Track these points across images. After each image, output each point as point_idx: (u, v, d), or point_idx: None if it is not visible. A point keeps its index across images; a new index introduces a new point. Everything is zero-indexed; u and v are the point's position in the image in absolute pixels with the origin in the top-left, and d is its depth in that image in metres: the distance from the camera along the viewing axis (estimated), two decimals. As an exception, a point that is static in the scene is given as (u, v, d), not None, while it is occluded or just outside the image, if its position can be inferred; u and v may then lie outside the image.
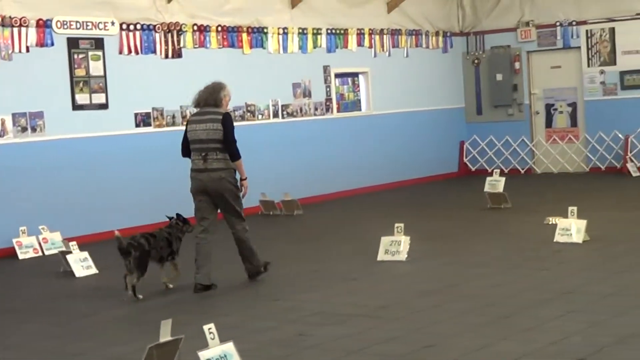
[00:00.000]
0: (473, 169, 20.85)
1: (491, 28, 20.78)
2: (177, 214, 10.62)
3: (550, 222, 12.62)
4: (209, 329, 6.43)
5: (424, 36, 20.23)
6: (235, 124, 15.52)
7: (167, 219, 10.58)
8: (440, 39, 20.66)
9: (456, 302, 8.65)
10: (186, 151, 10.28)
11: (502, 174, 16.31)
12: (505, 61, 20.57)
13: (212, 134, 10.02)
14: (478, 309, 8.30)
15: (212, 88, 10.33)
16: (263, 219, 15.46)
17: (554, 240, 11.36)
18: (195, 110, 10.47)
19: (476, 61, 21.04)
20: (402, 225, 11.09)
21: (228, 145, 10.06)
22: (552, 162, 20.12)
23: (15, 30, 13.39)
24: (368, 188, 18.59)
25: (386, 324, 7.99)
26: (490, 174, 15.86)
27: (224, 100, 10.36)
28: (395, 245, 10.98)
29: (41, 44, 13.68)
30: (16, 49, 13.40)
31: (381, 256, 10.99)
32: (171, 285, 10.23)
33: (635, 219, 13.03)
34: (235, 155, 10.12)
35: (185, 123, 10.83)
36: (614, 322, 7.59)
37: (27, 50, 13.52)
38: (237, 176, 10.30)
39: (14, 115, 13.41)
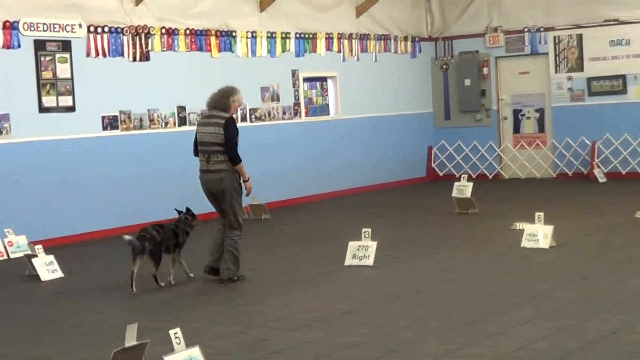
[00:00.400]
0: (441, 174, 20.91)
1: (460, 34, 20.86)
2: (187, 208, 10.83)
3: (517, 228, 12.67)
4: (175, 333, 6.40)
5: (392, 41, 20.27)
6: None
7: (177, 213, 10.82)
8: (409, 44, 20.71)
9: (422, 308, 8.66)
10: (196, 151, 10.67)
11: (469, 179, 16.34)
12: (473, 67, 20.66)
13: (214, 138, 10.41)
14: (444, 315, 8.31)
15: (223, 92, 10.78)
16: (230, 223, 15.41)
17: (521, 246, 11.41)
18: (207, 112, 10.84)
19: (444, 66, 21.11)
20: (369, 230, 11.09)
21: (227, 150, 10.39)
22: (519, 167, 20.23)
23: (-19, 32, 13.31)
24: (336, 192, 18.59)
25: (352, 329, 7.99)
26: (458, 179, 15.90)
27: (233, 105, 10.75)
28: (363, 250, 10.98)
29: (7, 45, 13.58)
30: (-18, 51, 13.33)
31: (349, 261, 10.99)
32: (173, 282, 10.44)
33: (602, 225, 13.11)
34: (234, 159, 10.46)
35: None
36: (580, 327, 7.62)
37: (-7, 52, 13.46)
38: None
39: (-21, 117, 13.33)
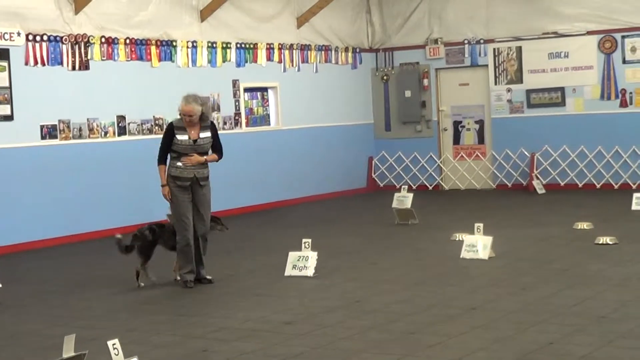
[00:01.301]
0: (381, 185, 21.00)
1: (400, 45, 20.99)
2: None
3: (457, 239, 12.77)
4: (113, 344, 6.35)
5: (333, 52, 20.34)
6: (143, 137, 15.58)
7: None
8: (350, 54, 20.80)
9: (362, 318, 8.68)
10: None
11: (410, 190, 16.48)
12: (413, 78, 20.79)
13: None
14: (383, 325, 8.34)
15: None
16: (171, 233, 15.33)
17: (460, 257, 11.49)
18: None
19: (385, 77, 21.22)
20: (309, 240, 11.11)
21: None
22: (459, 178, 20.38)
23: None
24: (276, 203, 18.60)
25: (292, 340, 7.98)
26: (399, 190, 15.98)
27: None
28: (303, 261, 10.98)
29: (-56, 53, 13.43)
30: None
31: (289, 271, 10.99)
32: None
33: (541, 236, 13.24)
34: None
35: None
36: (518, 338, 7.68)
37: None
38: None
39: None
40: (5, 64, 14.15)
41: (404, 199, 15.36)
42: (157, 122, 16.39)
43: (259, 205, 18.22)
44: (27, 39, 14.45)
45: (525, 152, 19.63)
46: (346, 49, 20.67)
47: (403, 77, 20.93)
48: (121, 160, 15.73)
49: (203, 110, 10.94)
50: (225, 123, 17.73)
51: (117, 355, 6.32)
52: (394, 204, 15.45)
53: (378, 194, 20.27)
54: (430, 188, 20.52)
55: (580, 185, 19.25)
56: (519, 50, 19.73)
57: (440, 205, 17.84)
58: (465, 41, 20.23)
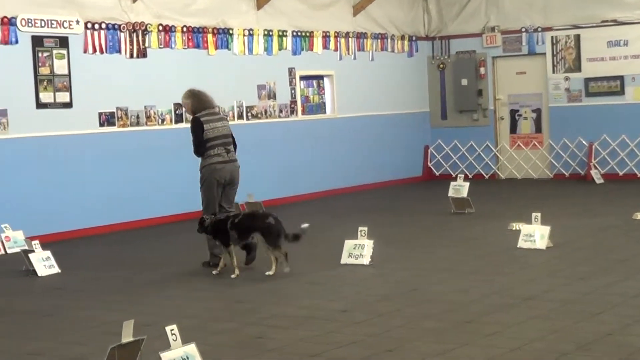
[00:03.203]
0: (437, 174, 20.93)
1: (457, 33, 20.87)
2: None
3: (513, 228, 12.68)
4: (171, 330, 6.40)
5: (389, 40, 20.28)
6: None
7: None
8: (406, 43, 20.72)
9: (417, 307, 8.66)
10: (201, 148, 11.16)
11: (466, 179, 16.39)
12: (470, 66, 20.67)
13: (229, 130, 11.37)
14: (439, 314, 8.31)
15: (205, 93, 11.51)
16: (226, 221, 15.41)
17: (517, 246, 11.41)
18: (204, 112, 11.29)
19: (441, 66, 21.12)
20: (365, 228, 11.09)
21: (234, 140, 11.44)
22: (516, 167, 20.24)
23: (-21, 27, 13.31)
24: (332, 191, 18.61)
25: (347, 328, 7.98)
26: (454, 179, 15.91)
27: None
28: (359, 249, 10.98)
29: (5, 41, 13.58)
30: (-20, 47, 13.33)
31: (344, 259, 10.99)
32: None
33: (599, 226, 13.11)
34: (235, 147, 11.47)
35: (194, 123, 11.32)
36: (576, 328, 7.62)
37: (-9, 47, 13.46)
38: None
39: (-24, 112, 13.33)
40: (64, 52, 14.30)
41: (460, 188, 15.29)
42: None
43: (315, 194, 18.24)
44: (86, 27, 14.58)
45: (583, 142, 19.44)
46: (402, 37, 20.60)
47: (459, 65, 20.81)
48: (178, 148, 15.80)
49: (184, 104, 11.58)
50: (281, 111, 17.76)
51: (175, 341, 6.37)
52: (450, 193, 15.38)
53: (434, 182, 20.20)
54: (487, 177, 20.40)
55: (639, 175, 19.02)
56: (577, 38, 19.52)
57: (497, 195, 17.73)
58: (523, 29, 20.05)
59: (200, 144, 11.08)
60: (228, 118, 11.71)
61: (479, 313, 8.28)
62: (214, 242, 10.91)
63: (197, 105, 11.28)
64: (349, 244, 11.09)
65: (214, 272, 10.79)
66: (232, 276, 10.51)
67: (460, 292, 9.21)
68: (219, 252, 10.93)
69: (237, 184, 11.38)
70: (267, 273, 10.48)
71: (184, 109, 11.95)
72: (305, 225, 10.71)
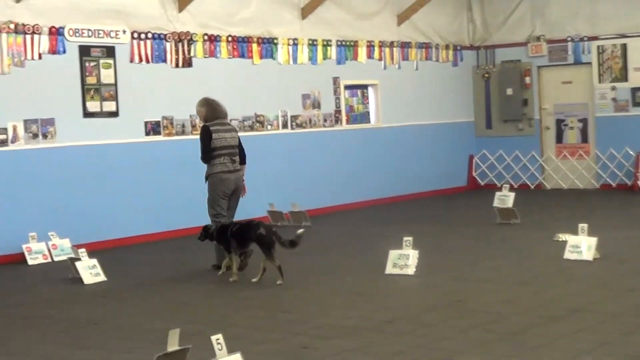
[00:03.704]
0: (482, 184, 20.82)
1: (502, 42, 20.78)
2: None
3: (560, 239, 12.57)
4: (217, 339, 6.41)
5: (434, 49, 20.23)
6: (244, 134, 15.85)
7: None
8: (451, 52, 20.66)
9: (463, 318, 8.60)
10: (208, 156, 11.70)
11: (511, 189, 16.30)
12: (515, 76, 20.55)
13: (236, 141, 11.85)
14: (486, 325, 8.26)
15: (219, 103, 11.99)
16: (271, 230, 15.44)
17: (564, 257, 11.31)
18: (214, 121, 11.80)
19: (486, 75, 21.03)
20: (410, 238, 11.06)
21: (242, 152, 11.96)
22: (562, 178, 20.08)
23: (28, 37, 13.42)
24: (376, 200, 18.57)
25: (392, 339, 7.95)
26: (500, 189, 15.84)
27: None
28: (404, 259, 10.94)
29: (53, 51, 13.71)
30: (29, 56, 13.44)
31: (389, 269, 10.96)
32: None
33: (645, 237, 12.99)
34: (244, 158, 12.04)
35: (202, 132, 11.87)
36: (624, 341, 7.54)
37: (40, 57, 13.56)
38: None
39: (25, 121, 13.44)
40: (111, 61, 14.41)
41: (505, 198, 15.22)
42: (258, 119, 16.50)
43: (359, 203, 18.21)
44: (132, 37, 14.69)
45: (630, 152, 19.25)
46: (447, 47, 20.54)
47: (504, 74, 20.70)
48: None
49: (198, 112, 12.07)
50: (325, 120, 17.77)
51: (220, 350, 6.38)
52: (495, 203, 15.30)
53: (479, 192, 20.11)
54: (532, 187, 20.27)
55: (686, 185, 18.83)
56: (624, 47, 19.34)
57: (543, 205, 17.60)
58: (569, 38, 19.91)
59: (207, 152, 11.65)
60: (238, 129, 12.64)
61: (526, 325, 8.21)
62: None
63: (210, 114, 11.82)
64: (393, 254, 11.05)
65: (219, 273, 11.29)
66: (231, 279, 10.93)
67: (506, 303, 9.15)
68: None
69: (240, 193, 11.94)
70: (252, 280, 10.80)
71: (197, 117, 12.51)
72: (301, 230, 10.81)
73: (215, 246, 11.54)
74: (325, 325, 8.56)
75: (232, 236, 10.97)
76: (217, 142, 11.64)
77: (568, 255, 11.33)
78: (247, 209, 15.81)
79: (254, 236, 10.80)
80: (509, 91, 20.60)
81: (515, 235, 13.69)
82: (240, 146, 11.92)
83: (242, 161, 11.97)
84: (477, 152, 21.02)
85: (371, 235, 14.49)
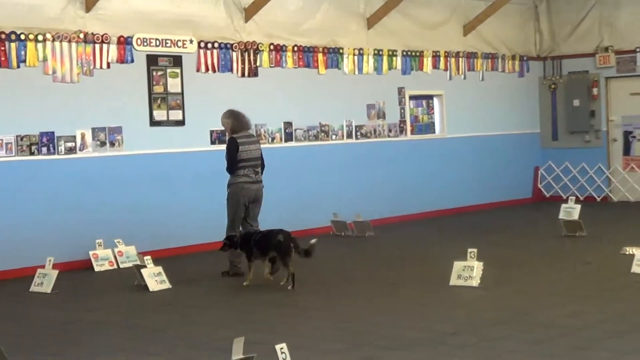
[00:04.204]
0: (547, 195, 20.64)
1: (569, 53, 20.60)
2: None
3: (627, 252, 12.41)
4: (281, 348, 6.43)
5: (500, 60, 20.12)
6: (308, 143, 15.97)
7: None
8: (517, 63, 20.53)
9: (529, 332, 8.53)
10: (234, 167, 12.15)
11: (577, 201, 16.13)
12: (582, 87, 20.36)
13: (259, 153, 12.33)
14: (551, 340, 8.17)
15: (244, 115, 12.46)
16: (334, 240, 15.47)
17: (631, 271, 11.15)
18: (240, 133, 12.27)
19: (553, 86, 20.86)
20: (475, 250, 10.99)
21: (263, 162, 12.39)
22: (629, 190, 19.82)
23: (97, 46, 13.60)
24: (440, 211, 18.50)
25: (456, 351, 7.91)
26: (565, 201, 15.69)
27: None
28: (468, 271, 10.88)
29: (121, 60, 13.88)
30: (97, 65, 13.62)
31: (453, 281, 10.91)
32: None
33: None
34: (263, 169, 12.44)
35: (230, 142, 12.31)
36: (692, 357, 7.44)
37: (108, 66, 13.73)
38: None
39: (93, 129, 13.62)
40: (178, 70, 14.55)
41: (571, 210, 15.07)
42: (323, 128, 16.54)
43: (423, 214, 18.16)
44: (199, 47, 14.82)
45: (699, 164, 18.99)
46: (513, 57, 20.42)
47: (571, 85, 20.52)
48: (287, 166, 15.95)
49: (224, 124, 12.52)
50: (390, 130, 17.76)
51: (284, 359, 6.39)
52: (561, 215, 15.16)
53: (544, 204, 19.93)
54: (599, 199, 20.04)
55: None
56: (694, 58, 19.10)
57: (609, 218, 17.41)
58: (637, 49, 19.68)
59: (233, 163, 12.09)
60: (260, 141, 13.07)
61: (593, 339, 8.12)
62: (237, 253, 11.81)
63: (237, 125, 12.28)
64: (458, 265, 11.00)
65: (244, 283, 11.46)
66: (244, 284, 11.40)
67: (572, 317, 9.05)
68: (239, 261, 11.97)
69: (260, 202, 12.33)
70: (280, 284, 11.21)
71: (223, 128, 12.78)
72: (314, 240, 11.19)
73: (229, 256, 11.99)
74: (390, 337, 8.54)
75: (254, 244, 11.42)
76: (242, 154, 12.08)
77: (635, 269, 11.17)
78: (311, 219, 15.95)
79: (274, 243, 11.20)
80: (576, 102, 20.42)
81: (581, 248, 13.56)
82: (262, 157, 12.36)
83: (263, 171, 12.43)
84: (542, 163, 20.84)
85: (435, 246, 14.44)
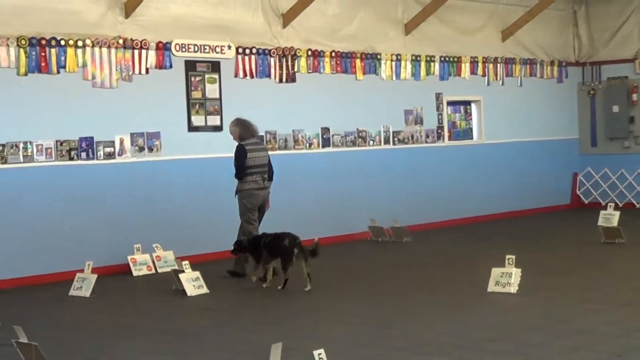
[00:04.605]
0: (586, 202, 20.51)
1: (608, 59, 20.47)
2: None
3: (666, 259, 12.33)
4: (319, 354, 6.44)
5: (538, 65, 20.03)
6: (346, 149, 15.95)
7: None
8: (555, 68, 20.43)
9: (567, 338, 8.47)
10: (242, 172, 12.49)
11: (616, 207, 16.01)
12: (622, 93, 20.22)
13: (267, 160, 12.67)
14: (590, 347, 8.12)
15: (250, 122, 12.79)
16: (372, 245, 15.47)
17: (671, 279, 11.09)
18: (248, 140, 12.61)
19: (592, 92, 20.73)
20: (513, 256, 10.95)
21: (270, 168, 12.72)
22: (668, 196, 19.67)
23: (136, 52, 13.69)
24: (478, 217, 18.43)
25: (495, 357, 7.88)
26: (604, 208, 15.58)
27: None
28: (506, 277, 10.83)
29: (160, 66, 13.96)
30: (136, 71, 13.70)
31: (491, 287, 10.87)
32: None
33: None
34: (272, 175, 12.81)
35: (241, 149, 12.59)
36: None
37: (147, 72, 13.82)
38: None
39: (132, 135, 13.70)
40: (216, 76, 14.61)
41: (610, 217, 14.98)
42: (360, 134, 16.53)
43: (460, 220, 18.10)
44: (237, 52, 14.87)
45: None
46: (552, 63, 20.32)
47: (611, 91, 20.38)
48: (325, 172, 15.97)
49: (232, 132, 12.79)
50: (427, 136, 17.72)
51: (322, 365, 6.40)
52: (600, 222, 15.08)
53: (582, 211, 19.81)
54: (638, 206, 19.87)
55: None
56: None
57: (648, 224, 17.26)
58: (678, 55, 19.55)
59: (242, 170, 12.44)
60: (268, 148, 13.26)
61: (632, 347, 8.05)
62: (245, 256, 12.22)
63: (244, 133, 12.61)
64: (496, 271, 10.96)
65: (264, 285, 11.78)
66: (264, 285, 11.77)
67: (611, 324, 8.98)
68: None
69: (265, 207, 12.72)
70: (305, 289, 11.41)
71: (231, 136, 12.90)
72: (316, 239, 11.71)
73: (237, 258, 12.48)
74: (427, 342, 8.52)
75: (264, 247, 11.72)
76: (251, 160, 12.46)
77: (676, 276, 11.09)
78: (349, 224, 15.95)
79: (280, 247, 11.55)
80: (615, 108, 20.27)
81: (621, 255, 13.46)
82: (269, 164, 12.69)
83: (270, 178, 12.74)
84: (581, 169, 20.72)
85: (472, 252, 14.40)
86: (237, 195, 12.60)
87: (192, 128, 14.36)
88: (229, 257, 14.27)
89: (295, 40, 15.66)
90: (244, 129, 12.67)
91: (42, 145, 12.84)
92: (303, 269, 11.40)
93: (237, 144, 12.67)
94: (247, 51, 15.00)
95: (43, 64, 12.79)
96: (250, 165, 12.46)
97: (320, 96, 15.96)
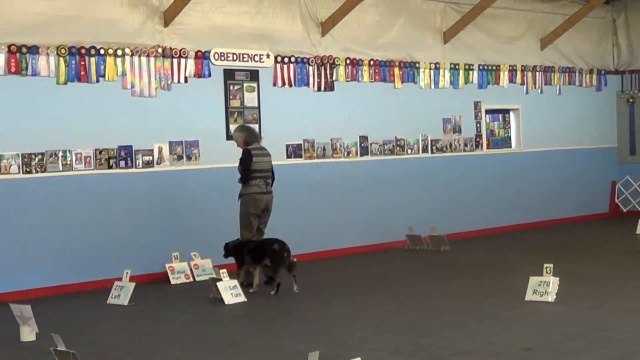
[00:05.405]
0: (625, 210, 20.38)
1: (647, 67, 20.36)
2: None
3: None
4: (357, 363, 6.44)
5: (577, 74, 19.94)
6: (384, 157, 15.95)
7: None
8: (594, 77, 20.33)
9: (607, 348, 8.42)
10: (247, 177, 12.64)
11: (655, 216, 15.88)
12: (661, 101, 20.10)
13: (270, 165, 12.86)
14: (630, 356, 8.06)
15: (254, 129, 13.24)
16: (409, 254, 15.45)
17: None
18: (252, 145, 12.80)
19: (631, 100, 20.61)
20: (551, 265, 10.90)
21: (273, 174, 12.92)
22: None
23: (175, 61, 13.77)
24: (516, 226, 18.37)
25: (534, 367, 7.86)
26: (644, 216, 15.45)
27: None
28: (544, 286, 10.79)
29: (199, 74, 14.04)
30: (175, 79, 13.79)
31: (529, 296, 10.82)
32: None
33: None
34: (273, 181, 12.96)
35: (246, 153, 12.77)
36: None
37: (186, 80, 13.90)
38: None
39: (170, 143, 13.78)
40: (254, 84, 14.67)
41: (649, 226, 14.83)
42: (398, 142, 16.53)
43: (498, 228, 18.04)
44: (276, 61, 14.92)
45: None
46: (591, 71, 20.22)
47: (650, 100, 20.27)
48: (363, 180, 15.97)
49: (237, 138, 12.92)
50: (466, 145, 17.69)
51: (361, 373, 6.40)
52: (639, 231, 14.94)
53: (621, 219, 19.67)
54: (677, 215, 19.73)
55: None
56: None
57: (689, 233, 17.09)
58: None
59: (247, 174, 12.60)
60: (271, 154, 13.06)
61: (672, 356, 8.00)
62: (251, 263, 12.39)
63: (249, 138, 12.79)
64: (533, 280, 10.91)
65: (250, 290, 11.99)
66: (250, 291, 11.94)
67: (651, 334, 8.93)
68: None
69: (270, 211, 12.86)
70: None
71: (235, 142, 13.03)
72: (294, 259, 12.10)
73: (247, 262, 12.49)
74: (467, 351, 8.50)
75: (248, 253, 12.18)
76: (255, 165, 12.65)
77: None
78: (387, 233, 15.95)
79: (268, 252, 11.97)
80: (655, 117, 20.15)
81: (660, 264, 13.37)
82: (272, 170, 12.90)
83: (273, 183, 12.95)
84: (620, 178, 20.59)
85: (510, 260, 14.34)
86: (240, 200, 12.75)
87: (230, 137, 14.37)
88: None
89: (334, 48, 15.69)
90: (248, 134, 12.87)
91: (81, 153, 12.94)
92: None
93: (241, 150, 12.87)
94: (286, 60, 15.06)
95: (82, 73, 12.90)
96: (255, 169, 12.65)
97: (358, 105, 15.98)
